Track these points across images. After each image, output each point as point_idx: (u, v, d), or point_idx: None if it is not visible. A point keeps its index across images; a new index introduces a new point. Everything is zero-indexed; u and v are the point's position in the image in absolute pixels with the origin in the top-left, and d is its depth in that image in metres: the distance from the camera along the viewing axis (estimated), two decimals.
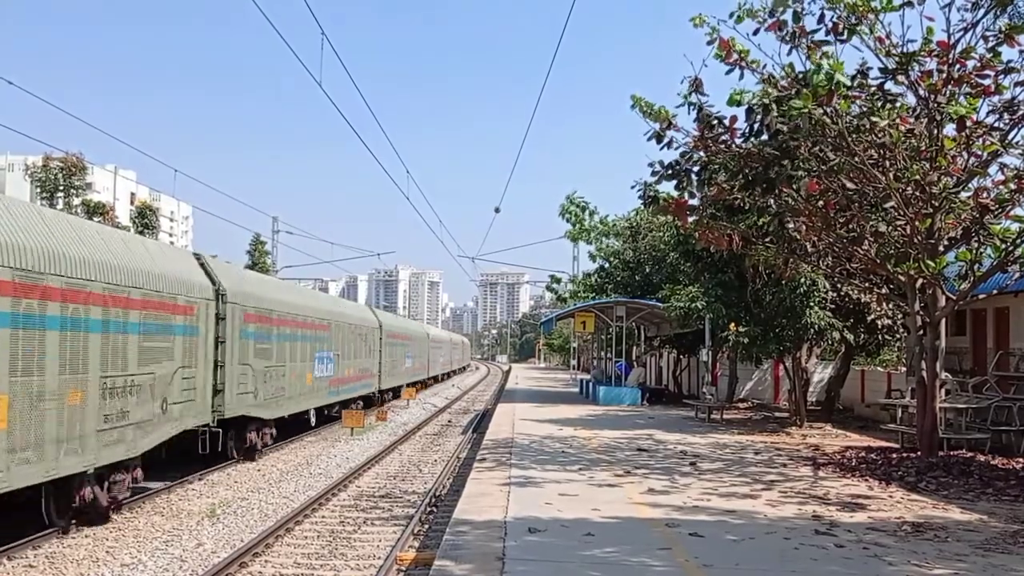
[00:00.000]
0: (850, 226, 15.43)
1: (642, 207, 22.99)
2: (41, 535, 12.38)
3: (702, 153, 14.76)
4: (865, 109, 13.31)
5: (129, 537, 12.89)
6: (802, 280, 20.45)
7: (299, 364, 24.60)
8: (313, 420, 27.16)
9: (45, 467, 11.45)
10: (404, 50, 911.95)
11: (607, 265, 42.43)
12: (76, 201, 60.75)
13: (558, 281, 58.96)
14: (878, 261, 15.57)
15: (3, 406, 10.57)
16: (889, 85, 13.51)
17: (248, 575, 11.02)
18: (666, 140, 14.74)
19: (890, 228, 15.01)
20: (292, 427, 25.59)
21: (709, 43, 13.90)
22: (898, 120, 13.08)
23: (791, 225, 15.12)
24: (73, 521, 13.02)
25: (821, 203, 14.59)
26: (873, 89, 13.40)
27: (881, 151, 13.85)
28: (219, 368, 18.43)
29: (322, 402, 27.87)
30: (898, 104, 13.52)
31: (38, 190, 62.51)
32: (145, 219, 63.57)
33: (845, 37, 13.27)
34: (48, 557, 11.66)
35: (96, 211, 59.37)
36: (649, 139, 14.83)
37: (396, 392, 43.02)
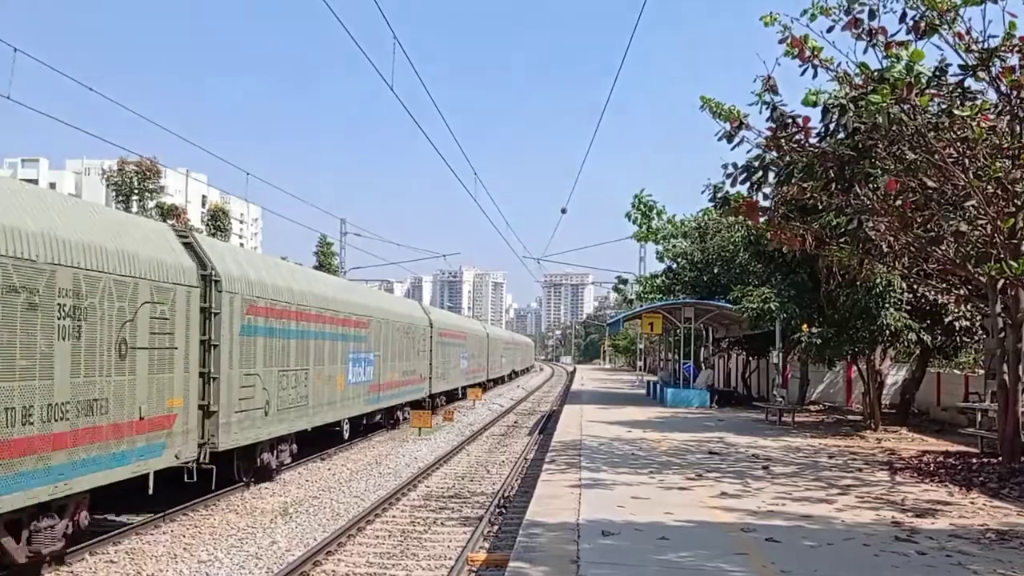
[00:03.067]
0: (928, 226, 15.09)
1: (711, 207, 22.75)
2: (120, 531, 12.67)
3: (775, 153, 14.55)
4: (944, 106, 13.01)
5: (205, 534, 13.11)
6: (878, 281, 20.05)
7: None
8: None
9: None
10: (468, 45, 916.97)
11: (675, 266, 42.11)
12: (150, 204, 62.13)
13: (625, 282, 58.72)
14: (958, 261, 15.20)
15: None
16: (969, 82, 13.19)
17: (322, 573, 11.13)
18: (737, 140, 14.57)
19: (971, 228, 14.63)
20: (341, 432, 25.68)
21: (781, 41, 13.71)
22: (979, 116, 12.75)
23: (869, 224, 14.83)
24: None
25: (899, 202, 14.28)
26: (952, 86, 13.09)
27: (961, 147, 13.51)
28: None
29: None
30: (978, 101, 13.17)
31: (114, 194, 64.04)
32: (217, 222, 64.78)
33: (927, 35, 12.98)
34: (128, 553, 11.91)
35: (169, 213, 60.66)
36: (720, 139, 14.67)
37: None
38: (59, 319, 10.45)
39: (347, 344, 22.57)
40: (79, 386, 10.82)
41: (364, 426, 25.84)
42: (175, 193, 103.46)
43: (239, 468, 16.41)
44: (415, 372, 31.66)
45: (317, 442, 21.77)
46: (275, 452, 17.72)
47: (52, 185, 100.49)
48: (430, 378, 34.34)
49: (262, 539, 12.74)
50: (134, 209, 58.79)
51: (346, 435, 23.39)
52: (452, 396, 41.45)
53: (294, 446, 18.88)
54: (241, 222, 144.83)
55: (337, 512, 14.83)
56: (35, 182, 77.43)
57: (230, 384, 15.10)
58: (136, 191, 62.38)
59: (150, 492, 12.82)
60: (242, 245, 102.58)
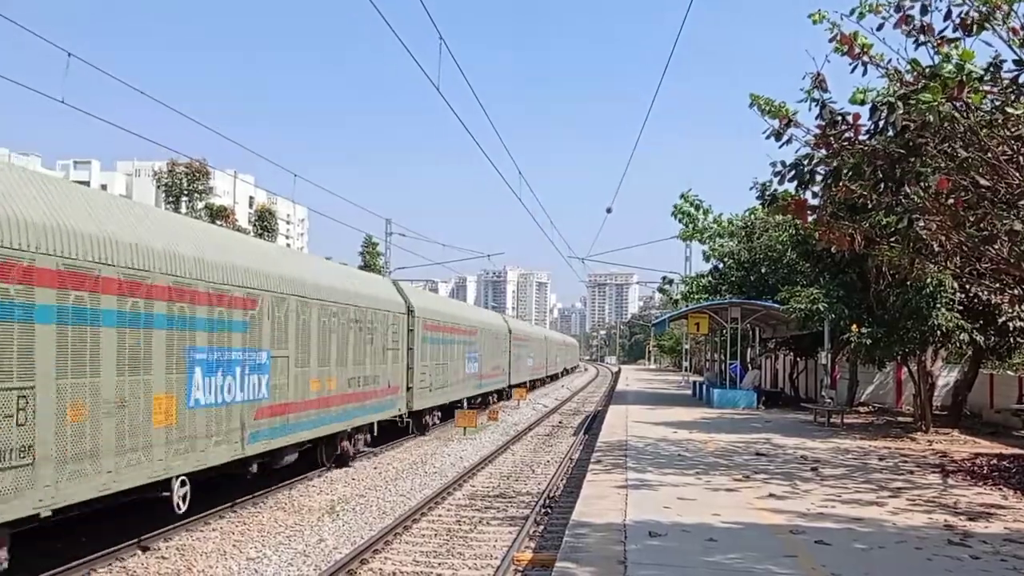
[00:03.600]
0: (981, 225, 14.82)
1: (759, 207, 22.56)
2: (171, 527, 12.85)
3: (823, 151, 14.37)
4: (998, 103, 12.76)
5: (254, 531, 13.26)
6: (929, 281, 19.74)
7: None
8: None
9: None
10: (513, 48, 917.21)
11: (721, 266, 41.73)
12: (199, 205, 62.94)
13: (670, 282, 58.24)
14: (1012, 261, 14.90)
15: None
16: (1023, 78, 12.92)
17: (369, 571, 11.20)
18: (786, 138, 14.41)
19: None
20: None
21: (831, 39, 13.54)
22: None
23: (920, 223, 14.60)
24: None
25: (950, 201, 14.04)
26: (1007, 82, 12.84)
27: (1015, 145, 13.25)
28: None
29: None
30: None
31: (164, 195, 64.96)
32: (264, 223, 65.40)
33: (974, 32, 12.73)
34: (179, 549, 12.08)
35: (218, 215, 61.37)
36: (768, 137, 14.50)
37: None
38: (367, 334, 19.98)
39: (464, 347, 32.27)
40: (372, 367, 20.45)
41: (471, 404, 33.97)
42: (223, 194, 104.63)
43: (411, 424, 24.89)
44: (499, 368, 41.22)
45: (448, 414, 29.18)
46: (432, 416, 27.41)
47: (103, 186, 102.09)
48: (508, 372, 43.81)
49: (310, 536, 12.86)
50: (183, 210, 59.57)
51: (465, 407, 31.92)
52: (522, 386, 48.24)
53: (439, 413, 28.36)
54: (288, 223, 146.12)
55: (384, 511, 14.92)
56: (87, 183, 78.75)
57: (417, 372, 24.60)
58: (185, 192, 63.22)
59: (374, 434, 21.49)
60: (288, 245, 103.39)
